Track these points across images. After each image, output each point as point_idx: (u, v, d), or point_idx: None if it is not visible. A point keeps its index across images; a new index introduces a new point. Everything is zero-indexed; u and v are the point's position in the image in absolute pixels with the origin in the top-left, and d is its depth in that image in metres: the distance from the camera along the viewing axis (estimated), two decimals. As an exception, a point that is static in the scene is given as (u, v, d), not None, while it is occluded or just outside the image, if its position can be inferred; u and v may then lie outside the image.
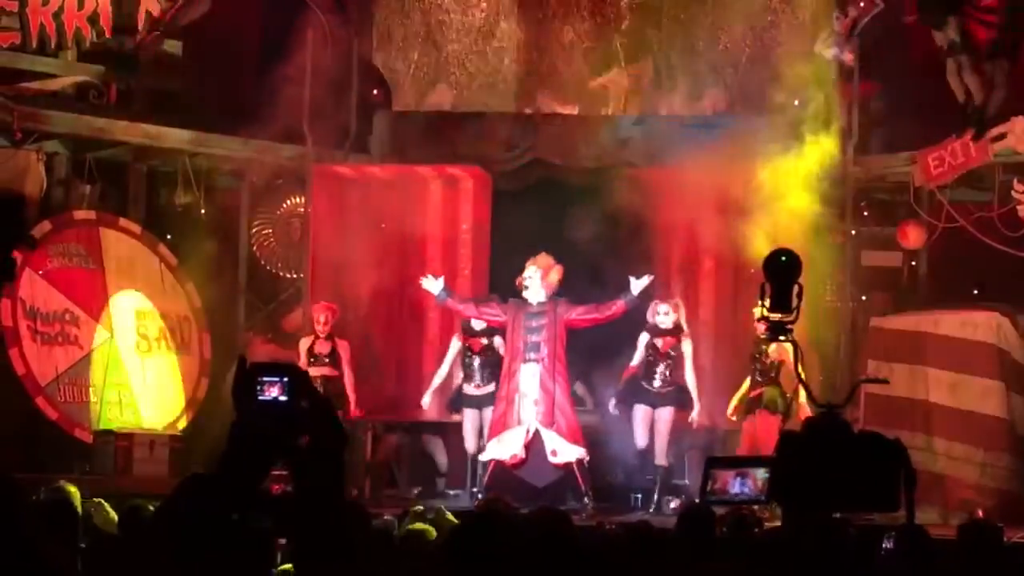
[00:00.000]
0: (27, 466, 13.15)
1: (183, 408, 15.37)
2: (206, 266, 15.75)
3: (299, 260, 16.11)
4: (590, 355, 14.98)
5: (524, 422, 14.01)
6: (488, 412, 14.40)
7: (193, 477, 4.05)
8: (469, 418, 14.61)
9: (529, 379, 14.07)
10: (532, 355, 14.09)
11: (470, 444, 14.61)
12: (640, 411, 14.32)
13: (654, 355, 14.37)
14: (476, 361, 14.60)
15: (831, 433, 4.37)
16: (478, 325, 14.59)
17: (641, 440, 14.28)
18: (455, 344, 14.80)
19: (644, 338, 14.40)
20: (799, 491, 4.36)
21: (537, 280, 14.15)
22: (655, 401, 14.33)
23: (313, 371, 14.52)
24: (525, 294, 14.19)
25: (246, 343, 15.59)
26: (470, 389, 14.64)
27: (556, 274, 14.27)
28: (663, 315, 14.34)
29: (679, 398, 14.40)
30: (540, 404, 14.02)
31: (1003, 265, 14.27)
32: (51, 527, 6.27)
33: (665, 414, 14.35)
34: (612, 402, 14.45)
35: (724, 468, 4.86)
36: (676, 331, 14.41)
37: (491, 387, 14.49)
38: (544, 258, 14.29)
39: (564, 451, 14.01)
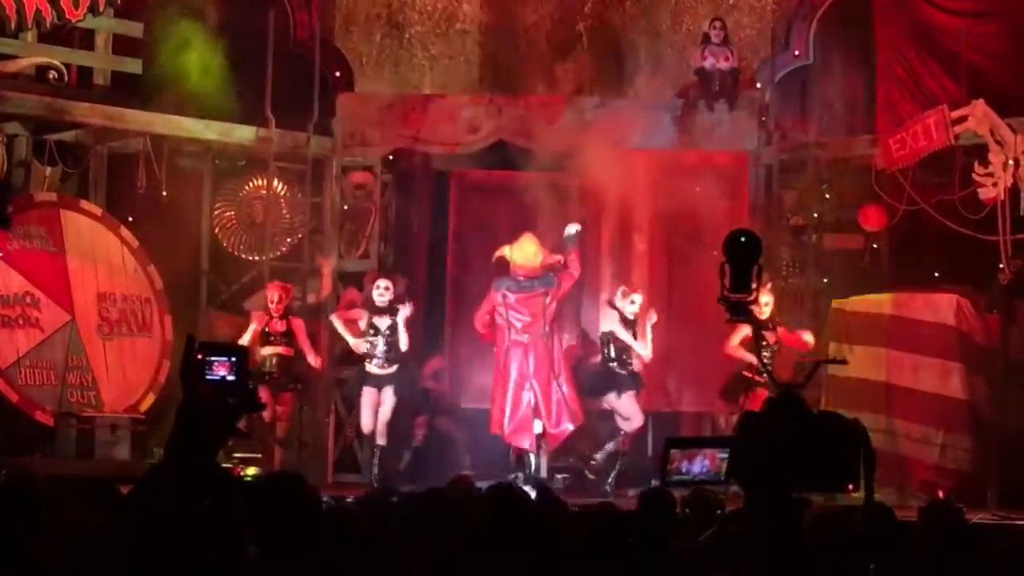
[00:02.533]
0: (-13, 449, 13.11)
1: (145, 390, 15.28)
2: (168, 248, 15.69)
3: (261, 242, 16.07)
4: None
5: None
6: (387, 392, 14.47)
7: (153, 468, 4.07)
8: (369, 397, 14.63)
9: None
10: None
11: (367, 423, 14.60)
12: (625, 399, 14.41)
13: (621, 343, 14.39)
14: (381, 341, 14.60)
15: (790, 413, 4.38)
16: (381, 300, 14.53)
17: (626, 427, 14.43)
18: (363, 315, 14.79)
19: (610, 323, 14.42)
20: (758, 470, 4.38)
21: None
22: (622, 387, 14.39)
23: (268, 350, 14.57)
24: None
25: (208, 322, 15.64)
26: (372, 368, 14.64)
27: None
28: (633, 304, 14.38)
29: (637, 382, 14.48)
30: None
31: (964, 247, 14.33)
32: (13, 510, 6.23)
33: (633, 400, 14.44)
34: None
35: (683, 448, 4.87)
36: (636, 320, 14.46)
37: (393, 368, 14.55)
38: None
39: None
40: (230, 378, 4.02)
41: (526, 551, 5.52)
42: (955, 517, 7.01)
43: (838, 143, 15.54)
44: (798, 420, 4.35)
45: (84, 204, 15.32)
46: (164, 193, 15.53)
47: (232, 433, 4.06)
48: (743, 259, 4.73)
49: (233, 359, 4.03)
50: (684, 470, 4.82)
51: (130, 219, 15.63)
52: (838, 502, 7.64)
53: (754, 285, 4.75)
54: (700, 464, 4.78)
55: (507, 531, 5.57)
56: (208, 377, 4.02)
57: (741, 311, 4.72)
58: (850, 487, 4.39)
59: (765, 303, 13.99)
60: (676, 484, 4.89)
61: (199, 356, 4.02)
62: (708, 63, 15.72)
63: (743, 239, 4.79)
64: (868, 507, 4.41)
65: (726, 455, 4.72)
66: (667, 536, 6.79)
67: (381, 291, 14.58)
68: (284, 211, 16.22)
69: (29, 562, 5.08)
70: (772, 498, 4.35)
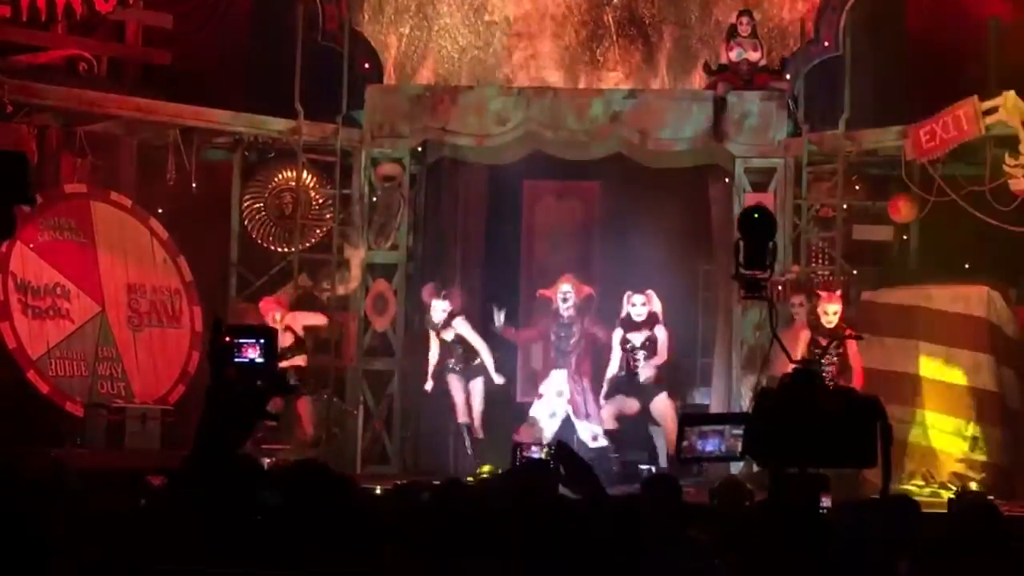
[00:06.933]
0: (18, 440, 13.16)
1: (175, 382, 15.37)
2: (197, 239, 15.75)
3: (290, 233, 16.09)
4: None
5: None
6: (475, 384, 15.10)
7: (190, 458, 4.05)
8: (458, 385, 15.19)
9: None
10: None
11: (462, 414, 15.11)
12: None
13: (633, 349, 14.40)
14: (457, 348, 15.16)
15: (806, 389, 4.35)
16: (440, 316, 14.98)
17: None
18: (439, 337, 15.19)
19: (618, 334, 14.47)
20: (773, 446, 4.35)
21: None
22: (647, 396, 14.39)
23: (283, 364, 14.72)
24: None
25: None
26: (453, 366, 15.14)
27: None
28: (639, 306, 14.41)
29: (668, 384, 14.52)
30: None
31: (994, 239, 14.25)
32: (46, 501, 6.25)
33: (661, 404, 14.41)
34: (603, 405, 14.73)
35: (698, 425, 4.83)
36: (651, 322, 14.44)
37: (474, 363, 15.13)
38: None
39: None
40: (259, 360, 4.01)
41: (543, 543, 5.49)
42: (986, 509, 6.95)
43: (867, 134, 15.45)
44: (813, 396, 4.32)
45: (114, 196, 15.39)
46: (194, 185, 15.58)
47: (262, 416, 4.04)
48: (757, 235, 4.67)
49: (261, 341, 4.02)
50: (698, 447, 4.78)
51: (160, 211, 15.69)
52: (862, 496, 7.61)
53: (768, 262, 4.71)
54: (715, 441, 4.75)
55: (519, 524, 5.55)
56: (237, 360, 4.00)
57: (755, 288, 4.67)
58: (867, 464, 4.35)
59: (834, 312, 13.80)
60: (691, 461, 4.84)
61: (227, 339, 4.00)
62: (735, 53, 15.68)
63: (756, 215, 4.74)
64: (886, 483, 4.37)
65: (740, 432, 4.68)
66: (673, 522, 6.73)
67: (440, 312, 15.10)
68: (313, 203, 16.23)
69: (60, 551, 5.09)
70: (788, 474, 4.32)
